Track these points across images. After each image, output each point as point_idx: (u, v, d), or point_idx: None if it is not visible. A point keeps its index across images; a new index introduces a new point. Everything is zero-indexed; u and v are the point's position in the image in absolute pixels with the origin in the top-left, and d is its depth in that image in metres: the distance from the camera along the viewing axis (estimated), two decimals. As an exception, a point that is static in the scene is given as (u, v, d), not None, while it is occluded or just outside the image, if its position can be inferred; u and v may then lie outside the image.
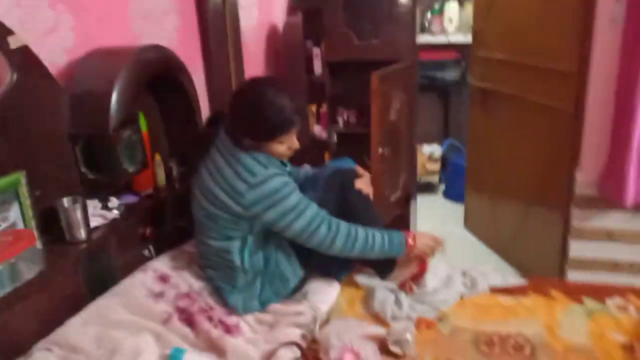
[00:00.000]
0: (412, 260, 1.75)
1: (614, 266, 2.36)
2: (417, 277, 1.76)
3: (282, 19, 2.89)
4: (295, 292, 1.68)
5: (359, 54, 2.41)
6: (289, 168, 1.74)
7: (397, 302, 1.63)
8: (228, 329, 1.48)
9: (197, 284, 1.62)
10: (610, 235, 2.32)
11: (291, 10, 2.84)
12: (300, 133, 1.64)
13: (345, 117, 2.70)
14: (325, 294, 1.68)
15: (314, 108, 2.73)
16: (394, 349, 1.45)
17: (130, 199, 1.72)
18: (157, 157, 1.83)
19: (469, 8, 3.55)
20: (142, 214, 1.70)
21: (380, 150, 2.17)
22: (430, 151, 4.01)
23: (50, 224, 1.43)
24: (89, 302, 1.44)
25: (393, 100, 2.31)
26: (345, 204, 1.71)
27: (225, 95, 2.25)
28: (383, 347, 1.46)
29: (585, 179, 2.27)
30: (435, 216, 3.57)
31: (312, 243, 1.56)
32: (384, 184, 2.30)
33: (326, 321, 1.59)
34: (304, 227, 1.53)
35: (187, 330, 1.45)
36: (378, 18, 2.37)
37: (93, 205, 1.59)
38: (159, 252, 1.74)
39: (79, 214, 1.44)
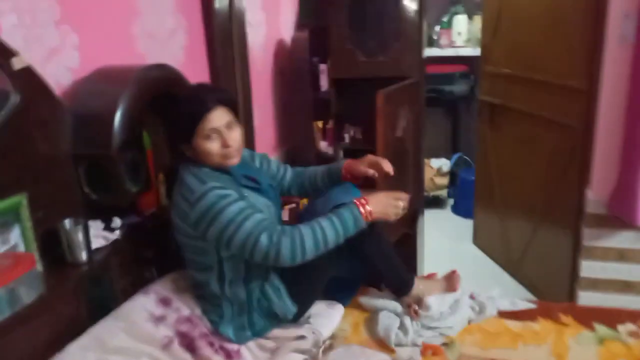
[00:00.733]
0: (436, 280, 1.74)
1: (626, 286, 2.31)
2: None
3: (289, 35, 2.89)
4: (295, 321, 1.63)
5: (364, 71, 2.40)
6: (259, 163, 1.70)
7: (402, 328, 1.60)
8: (229, 355, 1.46)
9: (198, 308, 1.59)
10: (621, 256, 2.28)
11: (299, 26, 2.84)
12: (243, 124, 1.56)
13: (352, 134, 2.68)
14: (328, 318, 1.64)
15: (320, 124, 2.72)
16: (398, 376, 1.42)
17: (134, 219, 1.71)
18: (161, 177, 1.82)
19: (478, 21, 3.54)
20: (145, 234, 1.68)
21: (386, 168, 2.14)
22: (438, 165, 3.98)
23: (52, 245, 1.41)
24: (89, 325, 1.42)
25: (399, 118, 2.29)
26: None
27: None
28: (388, 375, 1.43)
29: (595, 197, 2.23)
30: (444, 232, 3.54)
31: (259, 259, 1.42)
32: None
33: (330, 346, 1.56)
34: (243, 241, 1.40)
35: (187, 356, 1.43)
36: (384, 35, 2.35)
37: (95, 226, 1.57)
38: (161, 273, 1.71)
39: (80, 236, 1.43)
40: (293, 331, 1.58)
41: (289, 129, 2.82)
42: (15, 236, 1.34)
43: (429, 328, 1.61)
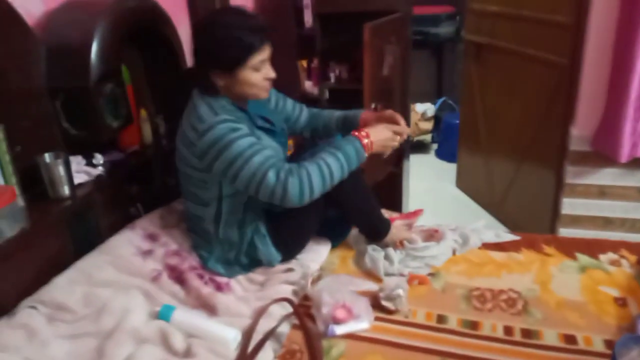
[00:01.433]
0: (401, 224, 1.75)
1: (607, 223, 2.37)
2: (410, 225, 1.77)
3: (271, -31, 2.77)
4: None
5: (350, 5, 2.32)
6: (274, 103, 1.66)
7: (388, 259, 1.62)
8: (219, 287, 1.46)
9: (186, 243, 1.59)
10: (603, 193, 2.32)
11: (280, -41, 2.72)
12: (273, 63, 1.49)
13: (337, 73, 2.62)
14: (316, 253, 1.65)
15: (304, 63, 2.65)
16: (386, 304, 1.44)
17: (116, 156, 1.67)
18: (143, 113, 1.77)
19: (465, -41, 3.43)
20: (128, 171, 1.65)
21: (372, 106, 2.11)
22: (423, 110, 3.96)
23: (33, 182, 1.38)
24: (75, 261, 1.41)
25: (386, 55, 2.24)
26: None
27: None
28: (375, 303, 1.45)
29: (579, 134, 2.24)
30: (427, 175, 3.56)
31: (266, 196, 1.38)
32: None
33: (318, 278, 1.57)
34: (250, 177, 1.36)
35: (177, 287, 1.43)
36: (371, -33, 2.27)
37: (77, 161, 1.54)
38: (147, 210, 1.69)
39: (61, 170, 1.39)
40: (282, 265, 1.59)
41: (272, 68, 2.74)
42: (-7, 170, 1.30)
43: (414, 258, 1.63)
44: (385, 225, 1.69)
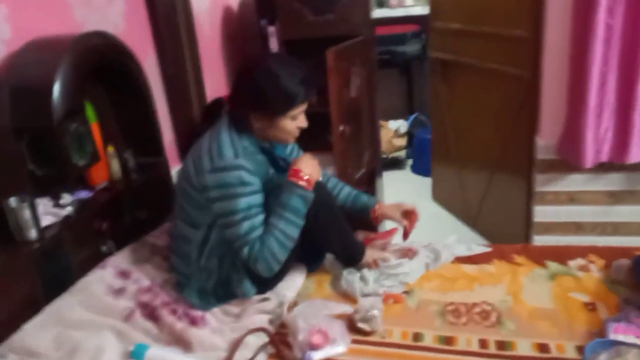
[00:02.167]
0: (375, 245, 1.78)
1: (577, 228, 2.41)
2: (386, 244, 1.79)
3: (236, -1, 2.82)
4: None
5: (314, 31, 2.36)
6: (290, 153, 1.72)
7: (363, 279, 1.63)
8: (193, 321, 1.45)
9: (159, 277, 1.58)
10: (572, 198, 2.36)
11: (244, -11, 2.77)
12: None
13: (306, 97, 2.66)
14: (291, 280, 1.66)
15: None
16: (362, 326, 1.45)
17: (84, 194, 1.66)
18: (110, 149, 1.77)
19: (426, -21, 3.53)
20: (98, 208, 1.64)
21: (341, 128, 2.14)
22: (396, 127, 4.01)
23: (-1, 226, 1.37)
24: (46, 304, 1.39)
25: (352, 77, 2.28)
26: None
27: (181, 81, 2.21)
28: (351, 325, 1.46)
29: (545, 143, 2.29)
30: (404, 191, 3.58)
31: (239, 255, 1.49)
32: (347, 162, 2.28)
33: (294, 304, 1.57)
34: (233, 237, 1.47)
35: (150, 325, 1.42)
36: (331, -8, 2.32)
37: (44, 203, 1.53)
38: (119, 246, 1.69)
39: (27, 213, 1.38)
40: (257, 295, 1.58)
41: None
42: (-43, 217, 1.29)
43: (388, 275, 1.64)
44: (360, 250, 1.71)
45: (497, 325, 1.44)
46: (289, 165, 1.64)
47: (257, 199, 1.46)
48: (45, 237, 1.42)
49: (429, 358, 1.35)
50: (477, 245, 1.84)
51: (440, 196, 3.32)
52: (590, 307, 1.48)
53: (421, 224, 1.82)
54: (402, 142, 4.00)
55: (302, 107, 1.52)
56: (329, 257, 1.78)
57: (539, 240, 2.45)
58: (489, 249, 1.80)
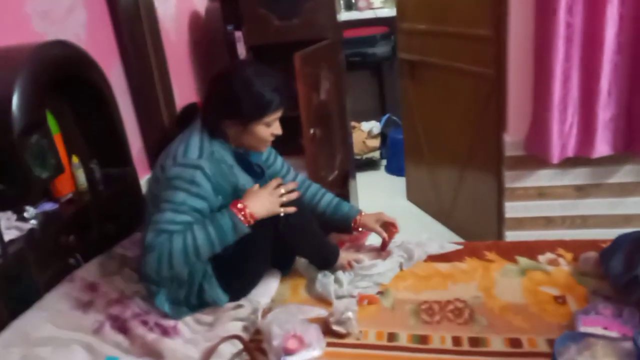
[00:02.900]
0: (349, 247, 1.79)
1: (548, 222, 2.45)
2: (360, 246, 1.80)
3: (202, 5, 2.79)
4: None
5: (280, 36, 2.36)
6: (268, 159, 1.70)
7: (338, 282, 1.62)
8: (165, 331, 1.43)
9: (129, 289, 1.55)
10: (541, 193, 2.40)
11: (210, -5, 2.76)
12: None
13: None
14: (265, 286, 1.64)
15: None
16: (337, 328, 1.44)
17: (49, 206, 1.63)
18: (75, 160, 1.73)
19: (393, -19, 3.55)
20: (63, 221, 1.60)
21: (311, 131, 2.14)
22: (369, 128, 4.03)
23: (-41, 243, 1.33)
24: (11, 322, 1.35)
25: (321, 80, 2.29)
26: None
27: (148, 88, 2.18)
28: (326, 329, 1.45)
29: (512, 140, 2.32)
30: (378, 191, 3.60)
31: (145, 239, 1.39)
32: (319, 165, 2.28)
33: (269, 310, 1.56)
34: (152, 220, 1.39)
35: (120, 337, 1.39)
36: (297, -3, 2.32)
37: (6, 217, 1.49)
38: (87, 259, 1.65)
39: (-11, 230, 1.34)
40: (230, 303, 1.57)
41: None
42: None
43: (363, 277, 1.64)
44: (335, 253, 1.70)
45: (470, 322, 1.46)
46: (264, 170, 1.65)
47: (197, 202, 1.40)
48: (8, 253, 1.38)
49: (403, 358, 1.36)
50: (449, 242, 1.85)
51: (414, 195, 3.35)
52: (560, 300, 1.50)
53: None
54: (376, 142, 4.02)
55: (277, 115, 1.52)
56: (303, 261, 1.77)
57: (511, 235, 2.49)
58: (460, 247, 1.81)
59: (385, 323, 1.49)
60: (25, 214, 1.54)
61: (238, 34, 2.41)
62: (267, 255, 1.61)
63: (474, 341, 1.38)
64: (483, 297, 1.55)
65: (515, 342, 1.36)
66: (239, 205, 1.43)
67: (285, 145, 1.84)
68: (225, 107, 1.48)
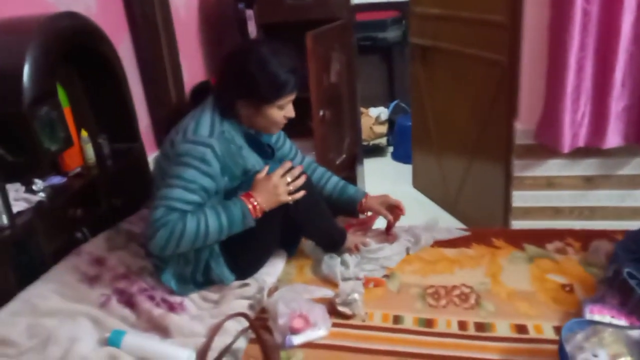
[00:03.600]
0: (356, 230, 1.79)
1: (556, 212, 2.44)
2: (366, 230, 1.80)
3: (213, -18, 2.76)
4: None
5: (292, 14, 2.33)
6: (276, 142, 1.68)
7: (344, 264, 1.62)
8: (171, 307, 1.43)
9: (135, 264, 1.55)
10: (550, 183, 2.39)
11: (222, -28, 2.72)
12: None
13: (285, 82, 2.63)
14: (271, 266, 1.64)
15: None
16: (342, 309, 1.44)
17: (57, 179, 1.62)
18: (84, 134, 1.73)
19: (406, -35, 3.50)
20: (71, 195, 1.60)
21: (321, 112, 2.12)
22: (377, 114, 4.00)
23: (-32, 212, 1.33)
24: (18, 292, 1.35)
25: (332, 62, 2.26)
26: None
27: (157, 65, 2.16)
28: (332, 309, 1.45)
29: (523, 128, 2.31)
30: (384, 178, 3.59)
31: (149, 219, 1.38)
32: (328, 147, 2.27)
33: (275, 289, 1.56)
34: (160, 195, 1.37)
35: (127, 311, 1.39)
36: (310, -24, 2.29)
37: (15, 189, 1.49)
38: (94, 234, 1.65)
39: (-3, 199, 1.34)
40: (236, 281, 1.57)
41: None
42: None
43: (369, 260, 1.64)
44: (342, 235, 1.70)
45: (476, 307, 1.45)
46: (274, 151, 1.64)
47: (206, 181, 1.40)
48: (16, 224, 1.38)
49: (409, 340, 1.35)
50: (457, 229, 1.85)
51: (420, 183, 3.34)
52: (568, 288, 1.50)
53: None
54: (383, 129, 3.99)
55: (291, 97, 1.50)
56: (310, 243, 1.77)
57: (518, 224, 2.48)
58: (468, 233, 1.81)
59: (391, 306, 1.49)
60: (34, 187, 1.53)
61: (249, 12, 2.38)
62: (275, 236, 1.60)
63: (480, 326, 1.38)
64: (490, 283, 1.54)
65: (521, 328, 1.36)
66: (251, 200, 1.42)
67: (294, 127, 1.83)
68: (239, 86, 1.46)
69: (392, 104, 4.11)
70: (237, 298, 1.49)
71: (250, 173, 1.51)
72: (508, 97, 2.31)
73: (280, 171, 1.47)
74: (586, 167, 2.32)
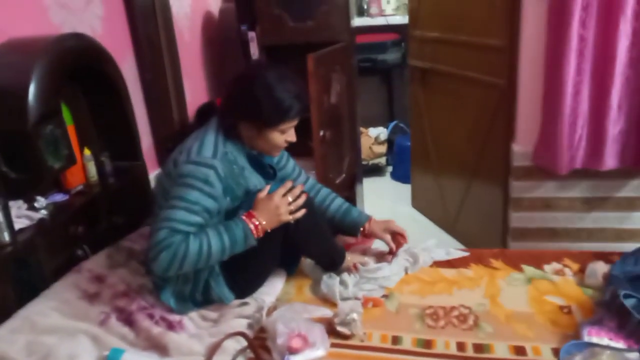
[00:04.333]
0: (356, 249, 1.79)
1: (553, 234, 2.45)
2: (366, 249, 1.81)
3: (217, 4, 2.81)
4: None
5: (294, 37, 2.37)
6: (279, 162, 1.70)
7: (343, 283, 1.63)
8: (170, 326, 1.43)
9: (135, 282, 1.56)
10: (547, 205, 2.40)
11: (225, -5, 2.78)
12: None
13: (286, 103, 2.67)
14: (270, 286, 1.65)
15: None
16: (341, 329, 1.44)
17: (59, 197, 1.64)
18: (87, 152, 1.75)
19: (405, -11, 3.57)
20: (73, 212, 1.61)
21: (321, 133, 2.15)
22: (376, 134, 4.04)
23: (-30, 229, 1.34)
24: (18, 309, 1.36)
25: (333, 83, 2.30)
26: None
27: (160, 85, 2.19)
28: (331, 329, 1.45)
29: (521, 150, 2.33)
30: (383, 197, 3.61)
31: (151, 240, 1.38)
32: (328, 167, 2.29)
33: (274, 308, 1.56)
34: (163, 217, 1.37)
35: (126, 329, 1.39)
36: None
37: (17, 206, 1.50)
38: (95, 251, 1.66)
39: (0, 216, 1.35)
40: (235, 300, 1.57)
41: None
42: None
43: (368, 280, 1.64)
44: (341, 255, 1.71)
45: (475, 328, 1.46)
46: (276, 172, 1.66)
47: (209, 202, 1.41)
48: (18, 241, 1.39)
49: (407, 361, 1.35)
50: (455, 249, 1.86)
51: (419, 203, 3.35)
52: (566, 310, 1.50)
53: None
54: (382, 149, 4.03)
55: (293, 122, 1.53)
56: (309, 262, 1.78)
57: (515, 246, 2.48)
58: (466, 254, 1.82)
59: (389, 326, 1.49)
60: (36, 204, 1.55)
61: (252, 34, 2.42)
62: (276, 256, 1.61)
63: (478, 347, 1.38)
64: (488, 304, 1.55)
65: (519, 350, 1.36)
66: (253, 220, 1.43)
67: (295, 146, 1.85)
68: (243, 109, 1.49)
69: (391, 124, 4.15)
70: (236, 317, 1.49)
71: (251, 193, 1.53)
72: (506, 120, 2.34)
73: (281, 190, 1.48)
74: (583, 189, 2.33)
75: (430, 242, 1.86)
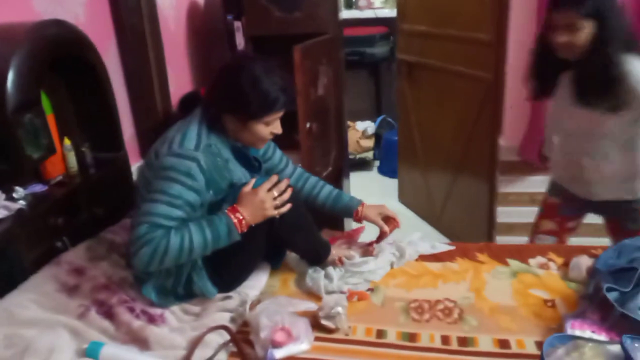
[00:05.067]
0: (341, 243, 1.78)
1: (538, 229, 2.46)
2: (352, 243, 1.80)
3: (202, -6, 2.78)
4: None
5: (280, 28, 2.35)
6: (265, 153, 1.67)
7: (328, 277, 1.61)
8: (152, 319, 1.41)
9: (116, 275, 1.53)
10: (532, 200, 2.41)
11: (211, -16, 2.74)
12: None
13: (273, 95, 2.64)
14: (254, 279, 1.63)
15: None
16: (325, 323, 1.43)
17: (39, 187, 1.60)
18: (67, 142, 1.71)
19: (394, -18, 3.56)
20: (53, 203, 1.58)
21: (307, 125, 2.13)
22: (363, 128, 4.03)
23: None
24: (-4, 302, 1.33)
25: (320, 75, 2.28)
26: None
27: (143, 75, 2.15)
28: (315, 323, 1.44)
29: (507, 145, 2.34)
30: (370, 192, 3.60)
31: (132, 234, 1.36)
32: (314, 161, 2.27)
33: (258, 302, 1.54)
34: (144, 211, 1.35)
35: (106, 323, 1.36)
36: (299, -10, 2.31)
37: (-5, 196, 1.46)
38: (75, 243, 1.63)
39: (-24, 207, 1.32)
40: (219, 294, 1.55)
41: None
42: None
43: (353, 273, 1.63)
44: (326, 249, 1.69)
45: (460, 321, 1.45)
46: (261, 164, 1.64)
47: (191, 196, 1.39)
48: (-5, 231, 1.36)
49: (392, 355, 1.34)
50: (441, 243, 1.85)
51: (406, 197, 3.35)
52: (550, 303, 1.50)
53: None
54: (370, 143, 4.02)
55: (278, 114, 1.51)
56: (294, 256, 1.76)
57: (501, 240, 2.50)
58: (452, 247, 1.81)
59: (374, 319, 1.48)
60: (14, 194, 1.51)
61: (237, 24, 2.39)
62: (260, 250, 1.59)
63: (463, 341, 1.38)
64: (473, 298, 1.54)
65: (504, 343, 1.36)
66: (237, 214, 1.41)
67: (281, 139, 1.83)
68: (228, 100, 1.47)
69: (379, 119, 4.14)
70: (219, 311, 1.47)
71: (236, 186, 1.51)
72: (493, 114, 2.34)
73: (267, 185, 1.46)
74: (569, 184, 2.34)
75: (416, 235, 1.86)
